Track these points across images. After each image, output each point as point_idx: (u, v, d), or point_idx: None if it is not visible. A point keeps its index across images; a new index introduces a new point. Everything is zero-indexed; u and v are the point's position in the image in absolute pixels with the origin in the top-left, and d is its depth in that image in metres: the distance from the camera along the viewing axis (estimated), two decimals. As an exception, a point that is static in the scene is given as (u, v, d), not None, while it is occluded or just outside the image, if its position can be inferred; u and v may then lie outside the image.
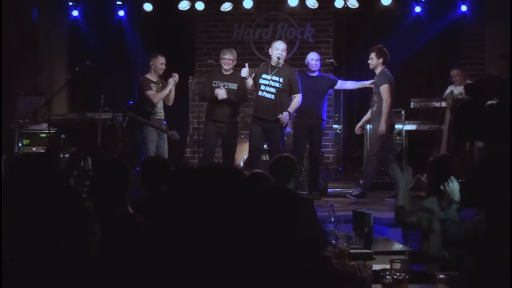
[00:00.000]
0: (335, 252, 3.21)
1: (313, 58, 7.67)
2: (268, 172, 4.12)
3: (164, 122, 7.64)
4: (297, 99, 7.22)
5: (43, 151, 7.86)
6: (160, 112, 7.59)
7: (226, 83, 7.32)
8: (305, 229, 2.53)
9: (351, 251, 3.38)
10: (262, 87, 7.08)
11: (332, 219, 3.99)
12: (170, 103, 7.67)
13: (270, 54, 7.23)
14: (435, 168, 4.27)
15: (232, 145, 7.56)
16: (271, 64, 7.16)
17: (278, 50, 7.11)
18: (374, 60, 7.48)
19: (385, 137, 7.38)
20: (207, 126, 7.47)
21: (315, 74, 7.68)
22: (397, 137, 8.73)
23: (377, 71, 7.53)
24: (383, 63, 7.48)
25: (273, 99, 7.04)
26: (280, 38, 9.86)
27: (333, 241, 3.56)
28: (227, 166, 3.19)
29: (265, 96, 7.08)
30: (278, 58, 7.05)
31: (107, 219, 2.89)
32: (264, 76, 7.12)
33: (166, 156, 7.21)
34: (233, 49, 7.52)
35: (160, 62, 7.51)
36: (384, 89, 7.40)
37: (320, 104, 7.62)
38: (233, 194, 2.41)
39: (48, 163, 2.81)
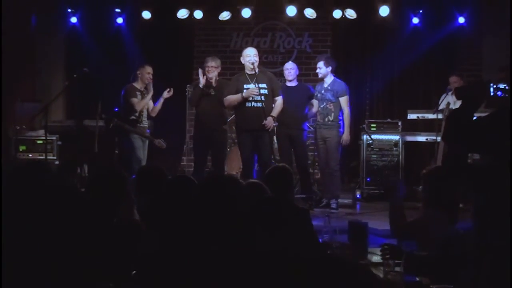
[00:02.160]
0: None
1: (286, 68, 7.79)
2: (263, 182, 4.12)
3: (148, 131, 7.69)
4: (279, 102, 7.25)
5: (42, 158, 7.85)
6: (145, 121, 7.64)
7: (211, 89, 7.39)
8: (300, 238, 2.54)
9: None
10: (250, 98, 7.03)
11: (328, 229, 4.00)
12: (154, 114, 7.76)
13: (243, 63, 7.22)
14: (428, 180, 4.29)
15: (222, 153, 7.62)
16: (247, 73, 7.15)
17: (249, 56, 7.13)
18: (323, 69, 7.65)
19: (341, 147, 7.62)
20: (196, 135, 7.59)
21: (293, 84, 7.74)
22: (394, 148, 8.77)
23: (328, 79, 7.67)
24: (332, 71, 7.63)
25: (261, 107, 7.03)
26: (278, 48, 9.95)
27: (328, 252, 3.57)
28: (224, 175, 3.21)
29: (254, 106, 7.05)
30: (252, 64, 7.06)
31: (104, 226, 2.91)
32: (246, 86, 7.08)
33: (144, 163, 7.32)
34: (216, 57, 7.58)
35: (147, 72, 7.59)
36: (345, 100, 7.61)
37: (300, 113, 7.65)
38: (231, 204, 2.43)
39: (49, 170, 2.83)
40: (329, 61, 7.66)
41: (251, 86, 7.03)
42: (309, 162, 8.50)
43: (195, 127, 7.71)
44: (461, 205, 4.06)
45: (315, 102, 7.79)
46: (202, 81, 7.30)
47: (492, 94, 2.93)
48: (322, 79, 7.73)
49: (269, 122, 7.03)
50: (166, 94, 7.65)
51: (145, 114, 7.65)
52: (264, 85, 7.07)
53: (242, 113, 7.12)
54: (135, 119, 7.52)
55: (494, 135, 2.73)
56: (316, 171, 8.64)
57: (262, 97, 7.03)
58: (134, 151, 7.45)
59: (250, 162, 7.17)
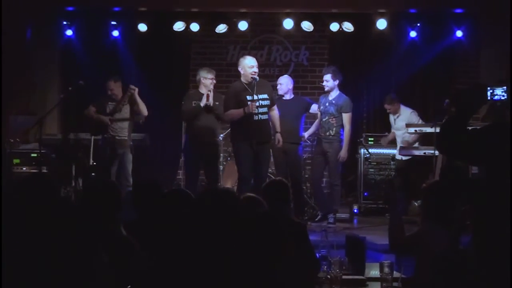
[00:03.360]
0: (328, 278, 3.21)
1: (278, 82, 7.76)
2: (260, 196, 4.11)
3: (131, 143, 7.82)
4: (277, 113, 7.17)
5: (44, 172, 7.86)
6: (116, 130, 7.72)
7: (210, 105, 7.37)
8: (298, 253, 2.53)
9: (344, 277, 3.38)
10: (256, 110, 6.76)
11: (325, 244, 3.99)
12: (141, 113, 7.75)
13: (242, 72, 6.92)
14: (428, 194, 4.28)
15: (216, 166, 7.62)
16: (245, 83, 6.88)
17: (253, 67, 6.86)
18: (330, 82, 7.54)
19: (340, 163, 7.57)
20: (188, 149, 7.57)
21: (289, 96, 7.73)
22: (392, 162, 8.78)
23: (333, 93, 7.58)
24: (338, 85, 7.56)
25: (267, 119, 6.92)
26: (275, 61, 9.98)
27: (326, 267, 3.56)
28: (221, 189, 3.21)
29: (261, 118, 6.81)
30: (255, 73, 6.83)
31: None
32: (249, 98, 6.79)
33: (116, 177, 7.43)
34: (210, 68, 7.64)
35: (108, 88, 7.73)
36: (348, 117, 7.53)
37: (295, 127, 7.64)
38: (228, 218, 2.42)
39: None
40: (336, 74, 7.54)
41: (255, 97, 6.78)
42: (307, 176, 8.50)
43: (187, 140, 7.65)
44: (462, 220, 4.06)
45: (318, 114, 7.73)
46: (205, 101, 7.24)
47: (489, 98, 2.91)
48: (327, 92, 7.60)
49: (279, 138, 7.05)
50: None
51: (121, 124, 7.65)
52: (265, 96, 6.88)
53: (246, 125, 6.77)
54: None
55: (490, 148, 2.72)
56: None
57: (265, 108, 6.88)
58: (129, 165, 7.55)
59: (249, 178, 6.90)
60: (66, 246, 2.51)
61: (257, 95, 6.82)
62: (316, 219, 7.58)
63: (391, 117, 8.39)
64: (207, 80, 7.43)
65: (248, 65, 6.88)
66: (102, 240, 2.77)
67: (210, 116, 7.35)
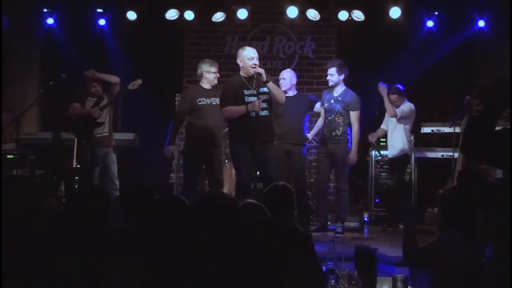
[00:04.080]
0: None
1: (281, 77, 7.77)
2: (262, 202, 4.13)
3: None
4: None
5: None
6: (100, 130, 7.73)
7: (213, 98, 7.36)
8: (302, 266, 2.56)
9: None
10: (260, 109, 6.71)
11: (333, 256, 4.01)
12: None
13: (241, 65, 6.88)
14: (445, 201, 4.30)
15: (221, 173, 7.61)
16: (245, 76, 6.84)
17: (253, 59, 6.81)
18: (335, 77, 7.57)
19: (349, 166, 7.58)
20: (189, 150, 7.52)
21: (292, 93, 7.74)
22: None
23: (339, 89, 7.60)
24: (344, 80, 7.58)
25: (268, 115, 6.87)
26: (277, 53, 9.99)
27: (333, 281, 3.58)
28: (219, 195, 3.23)
29: (261, 114, 6.76)
30: (255, 65, 6.79)
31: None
32: (248, 92, 6.78)
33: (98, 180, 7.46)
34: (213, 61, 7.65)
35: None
36: (356, 115, 7.56)
37: (299, 126, 7.65)
38: (226, 227, 2.44)
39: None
40: (342, 68, 7.55)
41: (253, 92, 6.77)
42: (312, 180, 8.51)
43: (189, 140, 7.58)
44: (484, 229, 4.07)
45: (322, 111, 7.75)
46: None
47: None
48: (331, 87, 7.62)
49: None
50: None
51: (105, 124, 7.68)
52: (265, 89, 6.81)
53: (244, 124, 6.75)
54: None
55: None
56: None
57: (266, 103, 6.81)
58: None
59: (249, 180, 6.92)
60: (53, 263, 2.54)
61: (258, 89, 6.79)
62: (312, 229, 7.40)
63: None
64: (210, 74, 7.45)
65: (248, 56, 6.84)
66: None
67: (216, 114, 7.32)
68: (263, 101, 6.80)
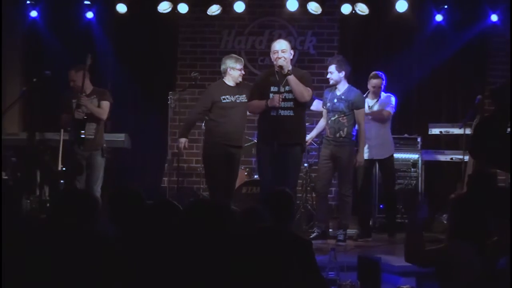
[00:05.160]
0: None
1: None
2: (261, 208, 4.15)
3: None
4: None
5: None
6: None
7: (237, 96, 7.43)
8: (303, 276, 2.57)
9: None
10: (280, 105, 6.79)
11: (334, 266, 4.03)
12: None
13: (273, 60, 7.03)
14: (455, 206, 4.32)
15: (234, 177, 7.62)
16: (277, 71, 6.90)
17: (277, 53, 6.93)
18: (335, 74, 7.60)
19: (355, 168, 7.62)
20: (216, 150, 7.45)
21: None
22: (412, 169, 8.78)
23: (341, 87, 7.62)
24: (345, 77, 7.63)
25: (292, 115, 6.91)
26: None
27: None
28: (215, 201, 3.25)
29: (283, 114, 6.84)
30: (278, 59, 6.87)
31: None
32: (274, 89, 6.90)
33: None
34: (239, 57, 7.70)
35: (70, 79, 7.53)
36: (362, 113, 7.59)
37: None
38: (221, 234, 2.46)
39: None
40: (342, 65, 7.57)
41: (281, 89, 6.83)
42: (312, 185, 8.50)
43: (210, 139, 7.51)
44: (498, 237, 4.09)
45: (324, 112, 7.78)
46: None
47: None
48: (333, 86, 7.64)
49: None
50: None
51: (90, 125, 7.55)
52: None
53: (264, 122, 6.91)
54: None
55: None
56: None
57: (291, 103, 6.88)
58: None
59: (270, 182, 6.85)
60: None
61: (285, 87, 6.89)
62: (312, 236, 7.43)
63: (368, 102, 8.15)
64: (235, 71, 7.47)
65: (272, 50, 7.05)
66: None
67: (240, 112, 7.39)
68: (288, 100, 6.86)
